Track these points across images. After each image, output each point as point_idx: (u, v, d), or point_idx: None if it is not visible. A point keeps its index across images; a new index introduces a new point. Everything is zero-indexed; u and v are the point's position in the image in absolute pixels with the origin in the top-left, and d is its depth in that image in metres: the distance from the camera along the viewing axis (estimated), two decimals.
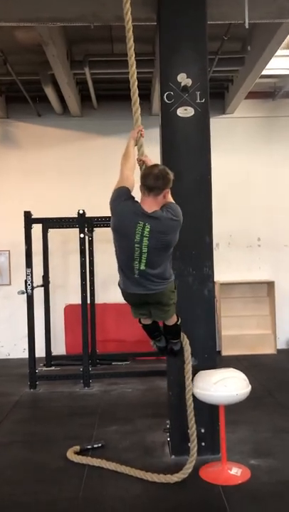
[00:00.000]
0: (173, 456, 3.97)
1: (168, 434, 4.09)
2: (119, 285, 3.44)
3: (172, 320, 3.70)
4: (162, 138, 4.11)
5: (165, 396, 4.17)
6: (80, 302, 5.98)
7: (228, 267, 7.54)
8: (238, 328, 7.52)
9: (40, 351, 6.40)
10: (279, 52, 5.68)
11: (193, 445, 3.72)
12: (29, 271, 5.91)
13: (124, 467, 3.75)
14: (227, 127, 7.61)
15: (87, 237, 6.32)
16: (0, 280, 7.67)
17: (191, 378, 3.80)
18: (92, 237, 6.91)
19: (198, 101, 4.01)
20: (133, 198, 3.34)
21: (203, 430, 3.92)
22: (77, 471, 3.79)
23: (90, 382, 5.99)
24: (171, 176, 3.30)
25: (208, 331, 4.05)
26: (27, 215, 6.01)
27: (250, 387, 3.72)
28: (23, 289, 5.94)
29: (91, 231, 6.82)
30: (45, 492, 3.51)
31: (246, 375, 3.80)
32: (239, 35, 5.51)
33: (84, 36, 5.65)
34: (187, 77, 4.00)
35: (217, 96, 7.45)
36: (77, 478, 3.68)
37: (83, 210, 5.93)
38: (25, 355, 6.16)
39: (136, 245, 3.20)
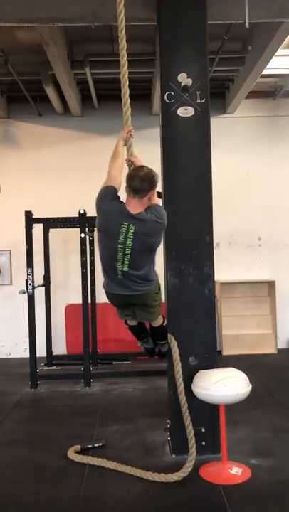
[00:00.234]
0: (173, 456, 3.98)
1: (168, 433, 4.09)
2: (103, 286, 3.46)
3: (158, 321, 3.70)
4: (163, 138, 4.11)
5: (166, 395, 4.18)
6: (80, 302, 5.99)
7: (228, 266, 7.54)
8: (238, 328, 7.52)
9: (41, 351, 6.41)
10: (279, 51, 5.68)
11: (192, 444, 3.73)
12: (30, 271, 5.92)
13: (125, 466, 3.75)
14: (228, 127, 7.61)
15: (87, 237, 6.33)
16: (1, 280, 7.68)
17: (182, 379, 3.81)
18: (92, 236, 6.91)
19: (198, 101, 4.01)
20: (119, 197, 3.35)
21: (203, 430, 3.93)
22: (77, 471, 3.80)
23: (91, 382, 5.99)
24: (157, 178, 3.33)
25: (208, 331, 4.05)
26: (28, 214, 6.02)
27: (250, 386, 3.72)
28: (24, 288, 5.95)
29: (92, 231, 6.82)
30: (45, 491, 3.52)
31: (247, 374, 3.81)
32: (240, 34, 5.50)
33: (84, 36, 5.65)
34: (187, 77, 4.00)
35: (218, 95, 7.45)
36: (78, 478, 3.69)
37: (84, 210, 5.93)
38: (26, 354, 6.17)
39: (119, 246, 3.21)
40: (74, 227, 6.27)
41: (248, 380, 3.74)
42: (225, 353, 7.38)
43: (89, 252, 6.57)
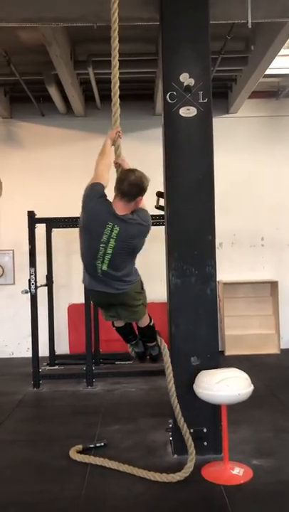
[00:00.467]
0: (175, 456, 3.97)
1: (170, 433, 4.09)
2: (83, 282, 3.45)
3: (144, 321, 3.69)
4: (165, 138, 4.11)
5: (166, 395, 4.17)
6: (83, 301, 5.99)
7: (231, 266, 7.54)
8: (241, 328, 7.52)
9: (43, 350, 6.43)
10: (282, 51, 5.66)
11: (190, 444, 3.73)
12: (33, 270, 5.94)
13: (127, 466, 3.76)
14: (230, 127, 7.60)
15: None
16: (4, 280, 7.69)
17: (173, 381, 3.81)
18: None
19: (200, 101, 4.01)
20: (106, 196, 3.35)
21: (205, 430, 3.93)
22: (79, 470, 3.80)
23: (93, 382, 6.00)
24: (147, 183, 3.31)
25: (210, 331, 4.05)
26: (30, 214, 6.03)
27: (252, 386, 3.72)
28: (27, 288, 5.97)
29: None
30: (47, 490, 3.53)
31: (249, 374, 3.80)
32: (242, 34, 5.50)
33: (87, 36, 5.65)
34: (190, 77, 4.00)
35: (220, 95, 7.45)
36: (80, 477, 3.69)
37: None
38: (29, 354, 6.17)
39: (101, 245, 3.22)
40: (77, 227, 6.20)
41: (249, 380, 3.74)
42: (227, 353, 7.37)
43: None
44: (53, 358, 6.85)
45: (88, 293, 3.50)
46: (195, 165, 4.05)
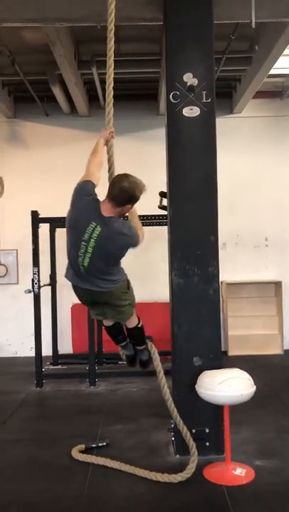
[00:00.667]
0: (177, 456, 3.97)
1: (172, 433, 4.09)
2: (66, 277, 3.43)
3: (132, 321, 3.65)
4: (168, 137, 4.11)
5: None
6: None
7: (235, 266, 7.52)
8: (245, 329, 7.50)
9: (47, 350, 6.43)
10: (287, 51, 5.63)
11: (191, 445, 3.73)
12: (36, 270, 5.94)
13: (129, 466, 3.76)
14: (234, 127, 7.58)
15: None
16: (8, 279, 7.71)
17: (166, 386, 3.78)
18: None
19: (204, 100, 4.01)
20: (95, 195, 3.33)
21: (207, 430, 3.93)
22: (81, 470, 3.81)
23: (96, 381, 6.01)
24: (139, 193, 3.26)
25: (213, 331, 4.04)
26: (34, 214, 6.04)
27: (254, 387, 3.71)
28: (30, 287, 5.98)
29: None
30: (49, 490, 3.54)
31: (252, 375, 3.80)
32: (247, 34, 5.48)
33: (91, 36, 5.65)
34: (193, 77, 4.00)
35: (225, 95, 7.43)
36: (82, 477, 3.70)
37: None
38: (32, 353, 6.18)
39: (83, 243, 3.22)
40: None
41: (252, 380, 3.73)
42: (231, 353, 7.36)
43: None
44: (56, 357, 6.86)
45: (73, 288, 3.49)
46: (198, 165, 4.05)
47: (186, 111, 4.01)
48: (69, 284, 3.44)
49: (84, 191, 3.33)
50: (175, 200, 4.06)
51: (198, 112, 4.00)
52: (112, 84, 3.61)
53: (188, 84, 4.00)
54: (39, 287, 5.97)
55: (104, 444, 4.22)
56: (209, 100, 4.02)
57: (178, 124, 4.04)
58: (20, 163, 7.65)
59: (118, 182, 3.31)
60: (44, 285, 6.25)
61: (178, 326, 4.01)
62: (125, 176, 3.34)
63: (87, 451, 4.09)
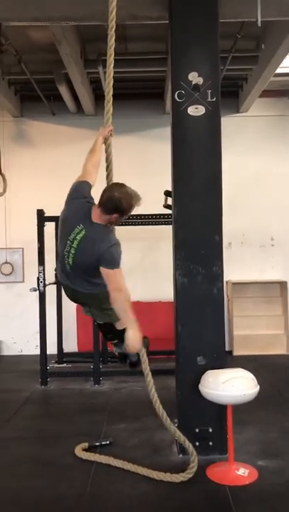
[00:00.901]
0: (181, 455, 3.97)
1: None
2: (55, 270, 3.44)
3: (122, 324, 3.59)
4: (173, 136, 4.11)
5: (174, 395, 4.17)
6: None
7: (240, 266, 7.50)
8: (250, 328, 7.48)
9: (52, 348, 6.45)
10: None
11: (188, 445, 3.71)
12: (41, 268, 5.97)
13: (132, 465, 3.76)
14: (241, 126, 7.56)
15: None
16: (13, 277, 7.74)
17: (154, 389, 3.72)
18: None
19: (209, 99, 4.00)
20: (90, 198, 3.30)
21: (210, 430, 3.93)
22: (85, 468, 3.82)
23: (101, 380, 6.02)
24: (127, 206, 3.14)
25: (217, 331, 4.04)
26: (40, 213, 6.07)
27: (258, 387, 3.70)
28: (36, 286, 6.00)
29: None
30: (52, 488, 3.54)
31: (256, 375, 3.78)
32: (253, 33, 5.47)
33: (97, 35, 5.65)
34: (198, 76, 3.99)
35: (231, 94, 7.42)
36: (85, 475, 3.70)
37: None
38: (37, 351, 6.20)
39: (68, 242, 3.21)
40: None
41: (255, 380, 3.72)
42: (236, 353, 7.34)
43: None
44: (61, 355, 6.88)
45: (63, 288, 3.50)
46: (203, 164, 4.04)
47: (191, 110, 4.00)
48: None
49: (78, 193, 3.31)
50: (180, 199, 4.05)
51: (204, 111, 3.99)
52: (112, 82, 3.61)
53: (194, 83, 3.99)
54: (44, 286, 5.99)
55: (108, 442, 4.23)
56: (214, 99, 4.00)
57: (183, 123, 4.03)
58: (26, 162, 7.68)
59: (109, 189, 3.27)
60: (49, 283, 6.25)
61: (182, 326, 4.01)
62: (119, 185, 3.27)
63: (90, 449, 4.10)
